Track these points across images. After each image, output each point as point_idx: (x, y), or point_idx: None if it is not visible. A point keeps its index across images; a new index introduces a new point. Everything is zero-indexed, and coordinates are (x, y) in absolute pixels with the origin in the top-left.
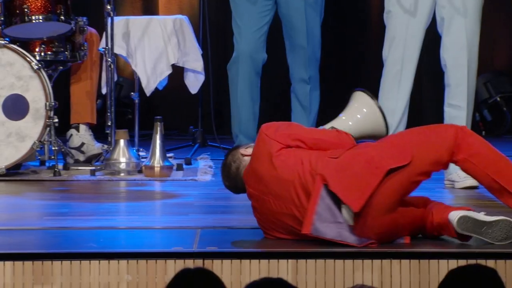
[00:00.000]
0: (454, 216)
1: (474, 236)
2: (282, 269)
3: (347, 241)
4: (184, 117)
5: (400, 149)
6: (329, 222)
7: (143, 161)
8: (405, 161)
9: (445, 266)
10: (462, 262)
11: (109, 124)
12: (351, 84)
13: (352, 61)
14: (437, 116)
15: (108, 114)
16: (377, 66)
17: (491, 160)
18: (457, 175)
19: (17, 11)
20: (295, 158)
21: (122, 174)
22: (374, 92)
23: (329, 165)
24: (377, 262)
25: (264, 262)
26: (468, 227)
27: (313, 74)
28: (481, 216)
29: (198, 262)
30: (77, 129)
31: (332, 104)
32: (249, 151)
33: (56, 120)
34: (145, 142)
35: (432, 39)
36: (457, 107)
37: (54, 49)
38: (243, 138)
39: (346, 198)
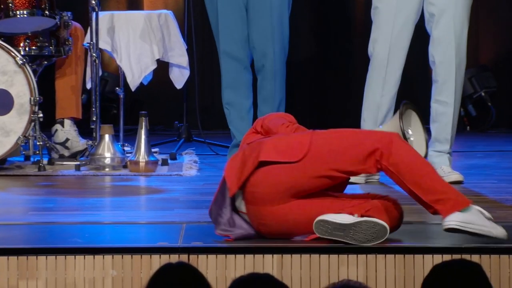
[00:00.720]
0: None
1: (335, 239)
2: (267, 264)
3: (236, 231)
4: (169, 112)
5: (296, 146)
6: (223, 207)
7: (128, 156)
8: (291, 158)
9: (430, 261)
10: (447, 257)
11: (94, 119)
12: (338, 82)
13: (339, 58)
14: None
15: (93, 109)
16: (364, 62)
17: (411, 171)
18: (441, 170)
19: (2, 6)
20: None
21: (107, 169)
22: (360, 88)
23: (240, 150)
24: (362, 257)
25: (249, 257)
26: (327, 231)
27: (278, 68)
28: (340, 218)
29: (184, 257)
30: (62, 124)
31: (318, 100)
32: None
33: (41, 115)
34: (130, 137)
35: (421, 35)
36: (444, 103)
37: (38, 44)
38: None
39: (228, 182)
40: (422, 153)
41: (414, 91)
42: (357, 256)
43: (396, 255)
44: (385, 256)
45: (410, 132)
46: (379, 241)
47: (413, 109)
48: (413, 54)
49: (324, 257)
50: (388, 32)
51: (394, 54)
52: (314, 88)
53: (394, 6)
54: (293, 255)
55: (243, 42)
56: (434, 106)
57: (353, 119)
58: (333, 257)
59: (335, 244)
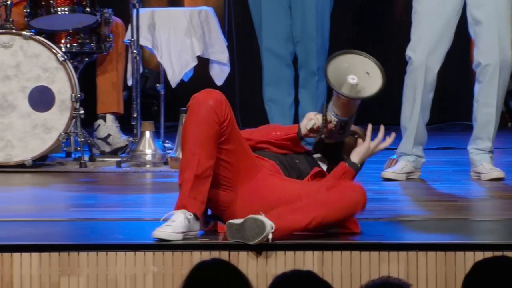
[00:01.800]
0: None
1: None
2: (308, 260)
3: None
4: None
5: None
6: None
7: (168, 153)
8: None
9: (471, 258)
10: (489, 254)
11: (135, 115)
12: None
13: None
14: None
15: (134, 105)
16: (401, 65)
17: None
18: (483, 167)
19: (43, 3)
20: None
21: (147, 166)
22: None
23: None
24: (403, 254)
25: (290, 253)
26: (232, 234)
27: (321, 65)
28: (235, 220)
29: (224, 254)
30: (104, 119)
31: None
32: None
33: (82, 111)
34: (171, 133)
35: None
36: (487, 104)
37: (79, 41)
38: None
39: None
40: (379, 83)
41: (452, 91)
42: (398, 253)
43: (437, 252)
44: (426, 253)
45: (353, 77)
46: (261, 237)
47: (342, 54)
48: (451, 54)
49: (365, 254)
50: (427, 36)
51: (433, 58)
52: None
53: (435, 9)
54: (333, 252)
55: (285, 39)
56: (477, 106)
57: (392, 118)
58: (374, 254)
59: (376, 241)
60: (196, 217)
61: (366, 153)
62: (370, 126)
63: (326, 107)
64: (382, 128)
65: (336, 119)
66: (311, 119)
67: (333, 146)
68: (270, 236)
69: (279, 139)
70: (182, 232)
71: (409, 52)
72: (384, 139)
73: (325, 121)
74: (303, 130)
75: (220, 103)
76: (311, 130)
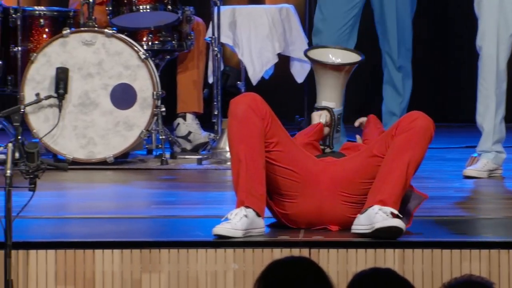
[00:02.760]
0: None
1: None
2: (388, 258)
3: None
4: (290, 106)
5: None
6: None
7: None
8: None
9: None
10: None
11: (216, 113)
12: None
13: (455, 54)
14: None
15: (215, 103)
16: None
17: None
18: None
19: (125, 1)
20: None
21: (228, 163)
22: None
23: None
24: (485, 252)
25: (370, 251)
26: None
27: (403, 64)
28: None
29: (304, 251)
30: (184, 118)
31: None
32: None
33: (163, 109)
34: None
35: None
36: None
37: (161, 39)
38: None
39: None
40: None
41: None
42: (479, 251)
43: None
44: (509, 252)
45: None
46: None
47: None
48: None
49: (446, 252)
50: (493, 25)
51: (503, 46)
52: (425, 79)
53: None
54: (414, 250)
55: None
56: None
57: (466, 112)
58: (455, 252)
59: (458, 239)
60: (257, 213)
61: None
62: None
63: (320, 106)
64: None
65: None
66: (320, 115)
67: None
68: (404, 226)
69: (310, 141)
70: (243, 230)
71: (478, 42)
72: None
73: (331, 113)
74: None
75: (254, 101)
76: (326, 125)
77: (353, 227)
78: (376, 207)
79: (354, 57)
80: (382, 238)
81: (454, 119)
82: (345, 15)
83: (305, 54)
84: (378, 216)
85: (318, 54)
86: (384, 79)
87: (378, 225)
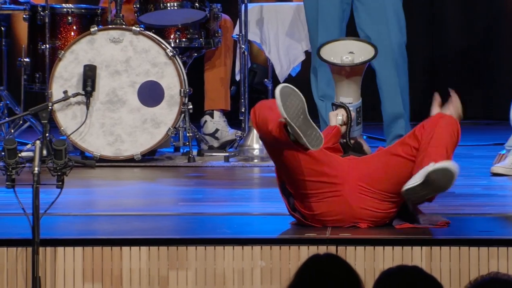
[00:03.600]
0: None
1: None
2: (416, 256)
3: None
4: None
5: None
6: None
7: None
8: None
9: None
10: None
11: (243, 110)
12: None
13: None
14: None
15: (242, 100)
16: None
17: None
18: None
19: None
20: None
21: (255, 161)
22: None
23: None
24: None
25: (398, 249)
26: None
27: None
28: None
29: (332, 249)
30: (211, 115)
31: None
32: None
33: (191, 106)
34: None
35: None
36: None
37: (188, 36)
38: None
39: None
40: (371, 51)
41: None
42: (507, 249)
43: None
44: None
45: (346, 56)
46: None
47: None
48: None
49: (473, 249)
50: None
51: None
52: (458, 80)
53: None
54: (442, 247)
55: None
56: None
57: (494, 109)
58: (483, 249)
59: (485, 237)
60: None
61: None
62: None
63: (337, 103)
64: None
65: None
66: (336, 115)
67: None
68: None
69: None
70: None
71: None
72: None
73: (347, 110)
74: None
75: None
76: (343, 123)
77: (406, 184)
78: (430, 164)
79: (368, 50)
80: (434, 182)
81: (481, 116)
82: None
83: (318, 55)
84: (431, 165)
85: (330, 50)
86: None
87: (431, 167)
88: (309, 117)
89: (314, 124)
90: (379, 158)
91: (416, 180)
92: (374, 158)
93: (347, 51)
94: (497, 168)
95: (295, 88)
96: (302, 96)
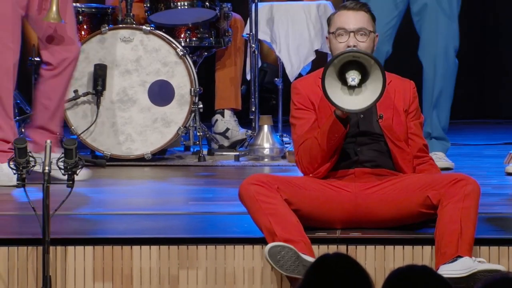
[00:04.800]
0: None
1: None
2: (426, 255)
3: None
4: None
5: None
6: None
7: (286, 147)
8: None
9: None
10: None
11: (253, 109)
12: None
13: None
14: None
15: (252, 100)
16: None
17: None
18: None
19: None
20: None
21: (266, 160)
22: None
23: None
24: None
25: (408, 248)
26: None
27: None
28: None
29: (342, 248)
30: (222, 114)
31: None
32: None
33: (201, 105)
34: (289, 127)
35: None
36: None
37: (199, 35)
38: None
39: None
40: (378, 92)
41: None
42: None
43: None
44: None
45: (353, 78)
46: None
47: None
48: None
49: (484, 248)
50: None
51: None
52: (471, 79)
53: None
54: None
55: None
56: None
57: (504, 108)
58: (494, 248)
59: (496, 236)
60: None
61: None
62: None
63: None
64: None
65: None
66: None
67: None
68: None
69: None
70: None
71: None
72: None
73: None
74: (338, 112)
75: (261, 183)
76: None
77: (444, 271)
78: (470, 258)
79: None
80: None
81: (492, 115)
82: (389, 13)
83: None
84: (477, 263)
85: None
86: None
87: (481, 267)
88: (305, 258)
89: (312, 260)
90: (385, 195)
91: (459, 271)
92: (381, 196)
93: (351, 67)
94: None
95: (281, 244)
96: (290, 246)
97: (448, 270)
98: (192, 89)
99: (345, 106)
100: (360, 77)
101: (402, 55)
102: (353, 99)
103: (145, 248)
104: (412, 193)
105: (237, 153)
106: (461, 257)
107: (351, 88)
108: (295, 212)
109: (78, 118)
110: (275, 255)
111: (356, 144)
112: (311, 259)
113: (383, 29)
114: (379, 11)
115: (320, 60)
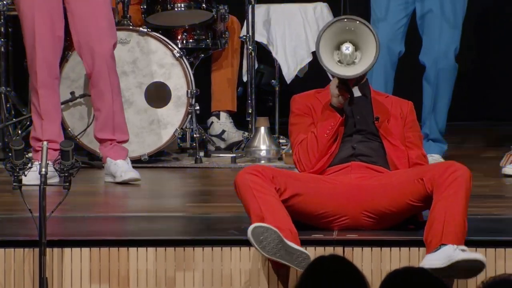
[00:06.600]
0: None
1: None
2: (423, 257)
3: None
4: None
5: None
6: None
7: (283, 148)
8: None
9: None
10: None
11: (250, 111)
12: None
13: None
14: None
15: (249, 101)
16: None
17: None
18: None
19: (160, 0)
20: None
21: (262, 161)
22: None
23: None
24: None
25: (404, 250)
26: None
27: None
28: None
29: (338, 250)
30: (218, 116)
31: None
32: None
33: (198, 107)
34: (286, 129)
35: None
36: None
37: (195, 37)
38: None
39: None
40: (372, 56)
41: None
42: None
43: None
44: None
45: (347, 46)
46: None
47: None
48: None
49: (480, 250)
50: None
51: None
52: (474, 81)
53: None
54: None
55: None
56: None
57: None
58: (490, 250)
59: (493, 238)
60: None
61: None
62: None
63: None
64: None
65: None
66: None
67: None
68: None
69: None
70: None
71: None
72: None
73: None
74: (334, 100)
75: (257, 172)
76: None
77: (425, 262)
78: (452, 246)
79: (370, 40)
80: (460, 271)
81: (489, 117)
82: (398, 13)
83: (317, 54)
84: (458, 251)
85: (329, 39)
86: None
87: (460, 256)
88: (288, 243)
89: (295, 247)
90: (380, 183)
91: (439, 261)
92: (375, 184)
93: (346, 37)
94: (509, 169)
95: (265, 225)
96: (275, 229)
97: (429, 260)
98: (189, 90)
99: (341, 72)
100: (354, 48)
101: (403, 57)
102: (349, 69)
103: (142, 250)
104: (406, 181)
105: (234, 155)
106: (445, 245)
107: (348, 65)
108: (290, 198)
109: (75, 120)
110: (258, 236)
111: (352, 142)
112: (294, 246)
113: (394, 27)
114: (389, 10)
115: (317, 62)
